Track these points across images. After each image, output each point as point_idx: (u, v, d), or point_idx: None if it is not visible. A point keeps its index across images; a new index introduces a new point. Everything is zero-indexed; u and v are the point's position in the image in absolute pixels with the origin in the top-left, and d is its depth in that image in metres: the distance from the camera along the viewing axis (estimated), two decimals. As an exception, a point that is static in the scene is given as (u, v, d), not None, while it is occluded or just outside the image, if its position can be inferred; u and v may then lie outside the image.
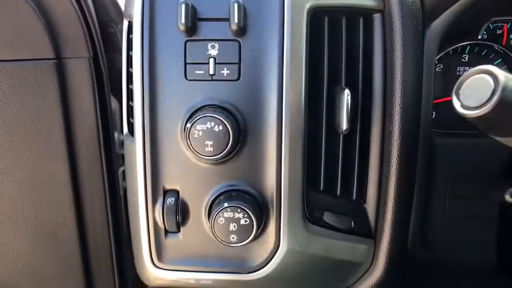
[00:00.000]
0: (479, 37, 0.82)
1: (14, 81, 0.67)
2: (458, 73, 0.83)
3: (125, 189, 0.81)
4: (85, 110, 0.71)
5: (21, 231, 0.74)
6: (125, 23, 0.66)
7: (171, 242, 0.64)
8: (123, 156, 0.80)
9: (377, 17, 0.66)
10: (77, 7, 0.68)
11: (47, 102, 0.68)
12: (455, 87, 0.48)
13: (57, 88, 0.68)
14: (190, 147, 0.58)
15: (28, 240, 0.75)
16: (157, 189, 0.63)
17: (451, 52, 0.82)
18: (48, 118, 0.69)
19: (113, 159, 0.78)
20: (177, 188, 0.63)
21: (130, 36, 0.63)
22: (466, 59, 0.83)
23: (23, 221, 0.73)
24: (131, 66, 0.63)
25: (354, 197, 0.69)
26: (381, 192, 0.69)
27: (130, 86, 0.65)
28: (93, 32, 0.71)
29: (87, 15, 0.70)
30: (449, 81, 0.83)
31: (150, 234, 0.64)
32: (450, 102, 0.48)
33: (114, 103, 0.79)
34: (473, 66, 0.46)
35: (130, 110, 0.67)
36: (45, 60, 0.66)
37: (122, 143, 0.80)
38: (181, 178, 0.62)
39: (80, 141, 0.71)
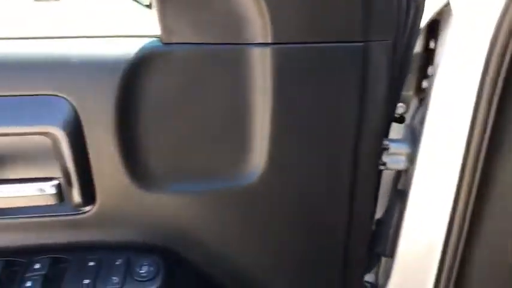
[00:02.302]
0: None
1: (315, 65, 0.61)
2: None
3: None
4: (378, 98, 0.64)
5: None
6: None
7: None
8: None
9: None
10: None
11: (343, 88, 0.62)
12: None
13: (357, 73, 0.62)
14: None
15: (296, 226, 0.72)
16: None
17: None
18: (341, 106, 0.63)
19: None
20: None
21: None
22: None
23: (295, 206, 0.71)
24: None
25: None
26: None
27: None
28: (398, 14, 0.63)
29: None
30: None
31: None
32: None
33: None
34: None
35: None
36: (351, 43, 0.60)
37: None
38: None
39: (367, 132, 0.66)
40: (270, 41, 0.58)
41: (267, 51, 0.58)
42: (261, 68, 0.59)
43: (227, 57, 0.60)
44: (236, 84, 0.61)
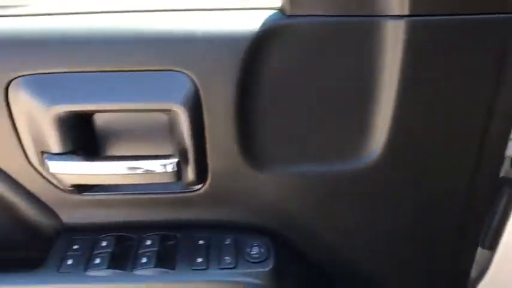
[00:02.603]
0: None
1: (454, 40, 0.55)
2: None
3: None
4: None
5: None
6: None
7: None
8: None
9: None
10: None
11: (480, 66, 0.56)
12: None
13: (499, 49, 0.55)
14: None
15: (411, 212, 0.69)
16: None
17: None
18: (475, 86, 0.58)
19: None
20: None
21: None
22: None
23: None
24: None
25: None
26: None
27: None
28: None
29: None
30: None
31: None
32: None
33: None
34: None
35: None
36: (499, 14, 0.53)
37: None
38: None
39: (498, 117, 0.60)
40: (406, 13, 0.53)
41: (401, 24, 0.53)
42: (392, 43, 0.55)
43: (356, 31, 0.55)
44: (363, 60, 0.57)
